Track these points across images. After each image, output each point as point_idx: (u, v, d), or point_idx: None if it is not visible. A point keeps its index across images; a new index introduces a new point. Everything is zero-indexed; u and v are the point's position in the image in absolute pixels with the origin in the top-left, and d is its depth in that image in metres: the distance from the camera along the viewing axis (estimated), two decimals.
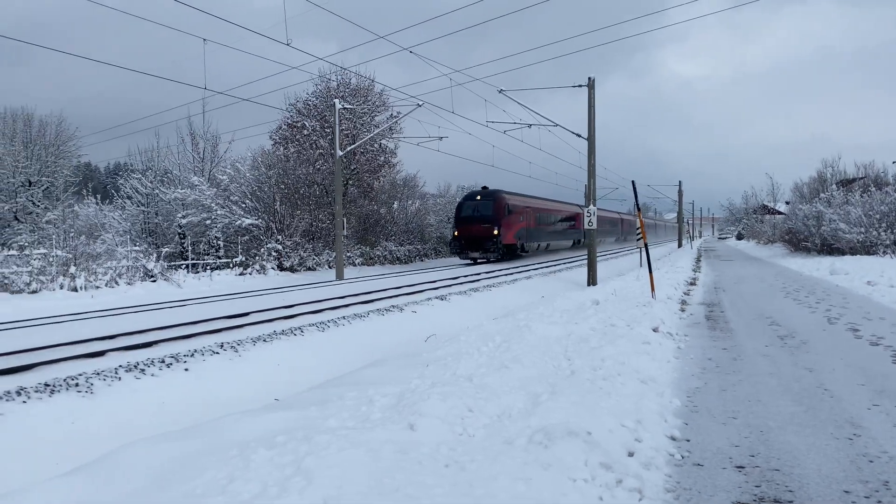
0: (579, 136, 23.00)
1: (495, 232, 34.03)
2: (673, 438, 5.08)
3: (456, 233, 35.74)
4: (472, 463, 4.02)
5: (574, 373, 6.45)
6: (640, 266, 24.13)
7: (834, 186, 40.90)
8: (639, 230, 17.48)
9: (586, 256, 37.32)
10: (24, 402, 7.30)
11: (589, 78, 22.19)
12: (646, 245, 15.67)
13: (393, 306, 15.51)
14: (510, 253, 36.51)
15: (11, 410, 7.03)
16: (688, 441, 5.04)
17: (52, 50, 37.25)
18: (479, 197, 36.28)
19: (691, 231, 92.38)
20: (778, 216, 62.01)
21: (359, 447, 4.10)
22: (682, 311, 13.06)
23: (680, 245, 64.78)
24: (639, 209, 16.06)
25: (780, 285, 18.71)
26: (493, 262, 35.15)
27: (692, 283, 19.68)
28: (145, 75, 68.76)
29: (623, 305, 11.92)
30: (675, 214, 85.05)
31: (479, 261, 35.71)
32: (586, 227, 22.67)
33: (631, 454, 4.51)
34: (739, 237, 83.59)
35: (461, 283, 21.55)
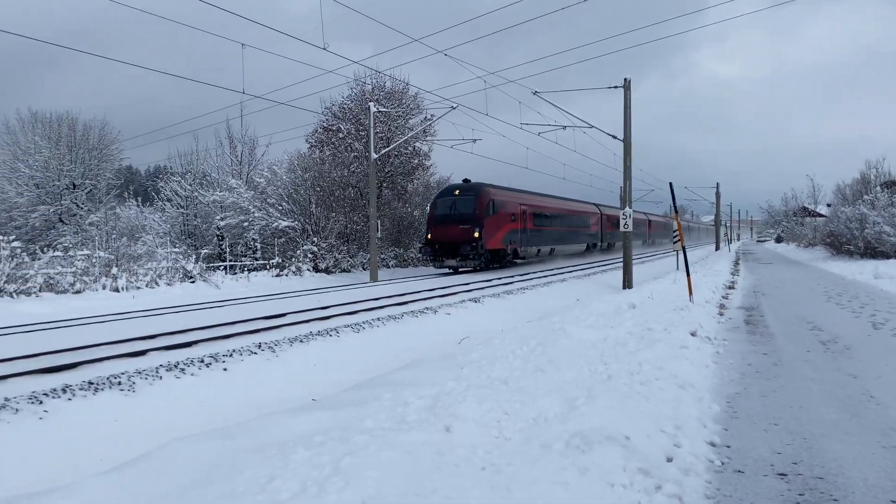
0: (615, 137, 22.79)
1: (476, 234, 27.91)
2: (713, 444, 5.00)
3: (429, 235, 29.33)
4: (508, 466, 4.01)
5: (611, 377, 6.39)
6: (677, 269, 23.81)
7: (878, 188, 39.86)
8: (675, 233, 17.27)
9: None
10: (70, 399, 7.49)
11: (625, 79, 21.99)
12: (683, 248, 15.46)
13: (427, 308, 15.55)
14: (497, 260, 30.61)
15: (58, 408, 7.22)
16: (728, 447, 4.96)
17: (95, 56, 38.19)
18: (456, 192, 29.99)
19: (729, 234, 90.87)
20: (819, 219, 60.69)
21: (396, 448, 4.12)
22: (721, 315, 12.86)
23: (717, 248, 63.77)
24: (676, 211, 15.86)
25: (822, 289, 18.29)
26: (479, 270, 29.63)
27: (730, 287, 19.35)
28: (185, 80, 70.12)
29: (660, 309, 11.76)
30: (712, 217, 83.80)
31: (460, 270, 29.85)
32: (622, 229, 22.42)
33: (670, 460, 4.46)
34: (779, 240, 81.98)
35: (494, 286, 21.53)
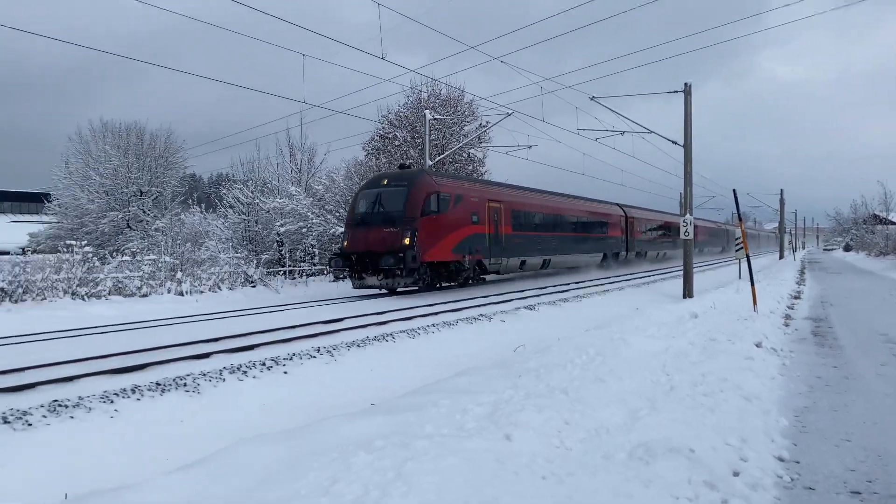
0: (675, 143, 22.38)
1: (405, 241, 19.70)
2: (781, 459, 4.85)
3: (345, 243, 21.18)
4: (570, 476, 3.97)
5: (673, 388, 6.26)
6: (739, 278, 23.19)
7: None
8: (738, 241, 16.85)
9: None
10: (138, 399, 7.75)
11: (685, 84, 21.57)
12: (747, 256, 15.03)
13: (481, 315, 15.52)
14: (448, 276, 22.67)
15: (127, 407, 7.48)
16: (797, 463, 4.80)
17: (162, 67, 39.60)
18: (384, 181, 21.93)
19: (794, 242, 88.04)
20: (891, 227, 58.19)
21: (456, 455, 4.12)
22: (787, 325, 12.46)
23: (782, 256, 61.83)
24: (740, 219, 15.49)
25: None
26: (421, 291, 21.56)
27: (796, 297, 18.74)
28: (248, 90, 71.96)
29: (723, 319, 11.48)
30: (776, 224, 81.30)
31: (397, 290, 21.32)
32: (682, 237, 21.93)
33: (736, 474, 4.35)
34: (847, 248, 78.94)
35: (549, 294, 21.34)
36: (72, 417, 6.98)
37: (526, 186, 30.73)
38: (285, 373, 9.39)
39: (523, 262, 26.76)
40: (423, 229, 20.26)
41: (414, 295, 20.72)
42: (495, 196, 25.10)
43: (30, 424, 6.66)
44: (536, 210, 28.58)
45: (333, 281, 28.70)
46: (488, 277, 25.95)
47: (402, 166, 23.87)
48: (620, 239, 38.51)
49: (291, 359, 9.98)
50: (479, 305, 17.14)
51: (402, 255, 19.42)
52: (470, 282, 23.80)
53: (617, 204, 39.75)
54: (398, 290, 21.24)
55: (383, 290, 21.36)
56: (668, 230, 48.29)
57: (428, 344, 12.34)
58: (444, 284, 22.84)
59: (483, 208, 23.71)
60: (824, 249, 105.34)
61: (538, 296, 20.33)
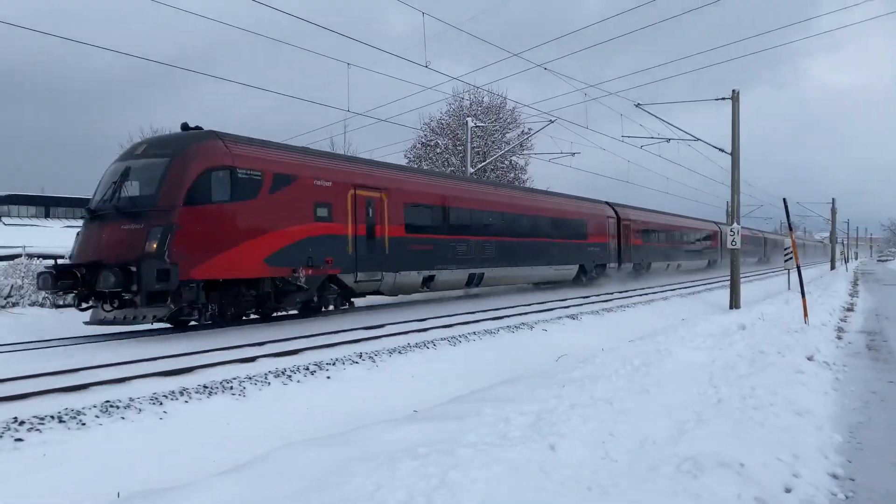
0: (722, 150, 22.00)
1: (152, 246, 11.89)
2: (835, 476, 4.72)
3: (76, 250, 13.02)
4: (615, 488, 3.92)
5: (721, 401, 6.14)
6: (789, 289, 22.63)
7: None
8: (787, 251, 16.49)
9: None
10: (186, 401, 7.92)
11: (733, 91, 21.21)
12: (798, 267, 14.65)
13: (523, 324, 15.44)
14: (256, 301, 14.61)
15: (176, 409, 7.65)
16: (852, 480, 4.67)
17: (210, 76, 40.57)
18: (143, 148, 13.74)
19: (846, 252, 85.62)
20: None
21: (500, 464, 4.11)
22: (839, 339, 12.11)
23: (833, 267, 60.11)
24: (791, 228, 15.14)
25: None
26: (202, 328, 13.76)
27: (849, 309, 18.18)
28: (292, 98, 73.02)
29: (772, 331, 11.20)
30: (826, 234, 79.19)
31: (192, 322, 13.81)
32: (730, 246, 21.47)
33: (788, 490, 4.24)
34: None
35: (592, 303, 21.13)
36: (123, 418, 7.17)
37: (436, 171, 23.85)
38: (328, 377, 9.49)
39: (430, 279, 19.09)
40: (190, 226, 12.49)
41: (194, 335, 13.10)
42: (371, 181, 17.03)
43: (84, 424, 6.87)
44: (454, 204, 20.27)
45: None
46: (364, 301, 18.94)
47: (184, 126, 14.21)
48: (607, 246, 30.20)
49: (334, 364, 10.09)
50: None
51: (135, 269, 11.54)
52: (323, 309, 16.56)
53: (607, 203, 31.70)
54: (193, 323, 13.80)
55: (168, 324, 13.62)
56: (684, 237, 41.09)
57: (469, 352, 12.33)
58: (253, 315, 15.16)
59: (343, 197, 15.94)
60: (878, 260, 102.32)
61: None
